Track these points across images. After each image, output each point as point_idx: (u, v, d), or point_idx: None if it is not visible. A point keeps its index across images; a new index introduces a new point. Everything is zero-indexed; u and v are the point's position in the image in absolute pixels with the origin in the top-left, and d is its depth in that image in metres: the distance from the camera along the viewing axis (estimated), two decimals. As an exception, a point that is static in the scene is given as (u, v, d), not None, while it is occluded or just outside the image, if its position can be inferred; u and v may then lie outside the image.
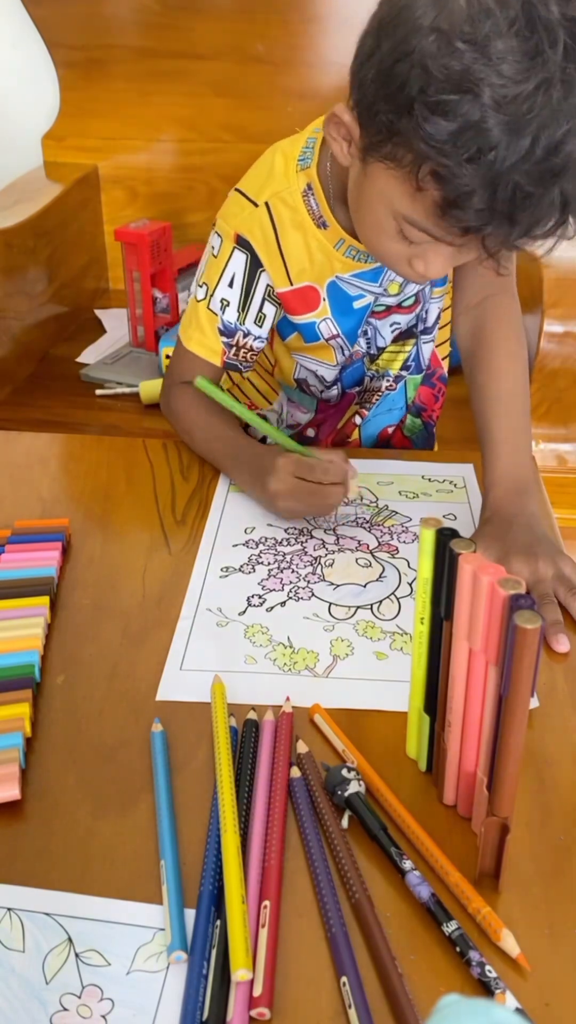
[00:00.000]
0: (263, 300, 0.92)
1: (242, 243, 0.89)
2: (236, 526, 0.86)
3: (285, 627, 0.73)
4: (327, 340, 0.95)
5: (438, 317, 1.01)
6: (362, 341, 0.98)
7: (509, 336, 0.94)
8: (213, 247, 0.92)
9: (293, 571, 0.80)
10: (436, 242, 0.74)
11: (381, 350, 1.01)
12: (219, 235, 0.91)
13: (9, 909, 0.52)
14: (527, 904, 0.52)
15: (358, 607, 0.76)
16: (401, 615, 0.75)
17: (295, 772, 0.59)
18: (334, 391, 1.03)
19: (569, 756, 0.62)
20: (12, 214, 1.66)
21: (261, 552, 0.82)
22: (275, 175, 0.88)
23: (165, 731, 0.63)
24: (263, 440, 0.99)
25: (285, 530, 0.85)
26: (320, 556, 0.82)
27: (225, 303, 0.92)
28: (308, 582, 0.78)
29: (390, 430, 1.09)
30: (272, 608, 0.75)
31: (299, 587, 0.78)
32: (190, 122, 1.93)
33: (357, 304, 0.93)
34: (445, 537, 0.52)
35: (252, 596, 0.77)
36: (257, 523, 0.86)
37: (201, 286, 0.94)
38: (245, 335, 0.93)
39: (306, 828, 0.56)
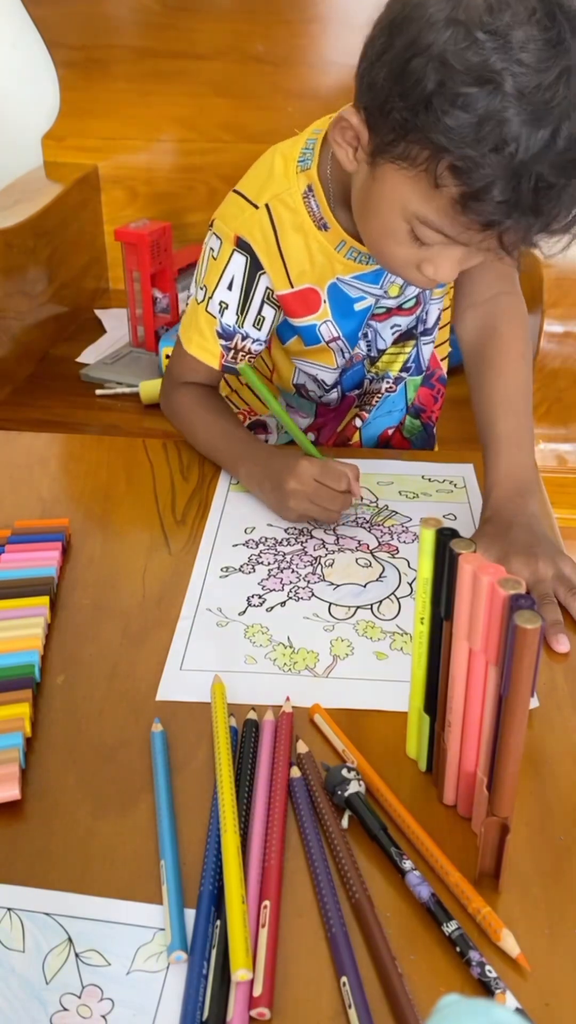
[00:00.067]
0: (262, 303, 0.92)
1: (242, 245, 0.89)
2: (236, 526, 0.86)
3: (285, 627, 0.73)
4: (327, 343, 0.95)
5: (438, 318, 1.01)
6: (362, 344, 0.98)
7: (517, 335, 0.94)
8: (212, 249, 0.92)
9: (293, 571, 0.80)
10: (447, 245, 0.74)
11: (381, 352, 1.00)
12: (218, 237, 0.91)
13: (9, 909, 0.52)
14: (527, 904, 0.52)
15: (358, 607, 0.76)
16: (401, 615, 0.75)
17: (295, 772, 0.59)
18: (333, 394, 1.03)
19: (569, 756, 0.62)
20: (12, 214, 1.66)
21: (261, 552, 0.82)
22: (275, 177, 0.88)
23: (165, 731, 0.63)
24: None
25: (285, 530, 0.85)
26: (320, 556, 0.82)
27: (224, 306, 0.92)
28: (308, 582, 0.78)
29: (390, 432, 1.09)
30: (272, 608, 0.75)
31: (299, 587, 0.78)
32: (190, 122, 1.93)
33: (358, 306, 0.93)
34: (445, 537, 0.52)
35: (252, 596, 0.77)
36: (257, 523, 0.86)
37: (201, 288, 0.93)
38: (244, 338, 0.93)
39: (306, 828, 0.56)
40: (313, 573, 0.80)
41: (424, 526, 0.53)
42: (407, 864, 0.53)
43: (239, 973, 0.47)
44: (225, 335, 0.93)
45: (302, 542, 0.84)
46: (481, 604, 0.49)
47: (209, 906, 0.51)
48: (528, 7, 0.61)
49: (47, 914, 0.52)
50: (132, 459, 0.97)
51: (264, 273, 0.90)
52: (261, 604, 0.76)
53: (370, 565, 0.81)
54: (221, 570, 0.80)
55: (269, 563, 0.81)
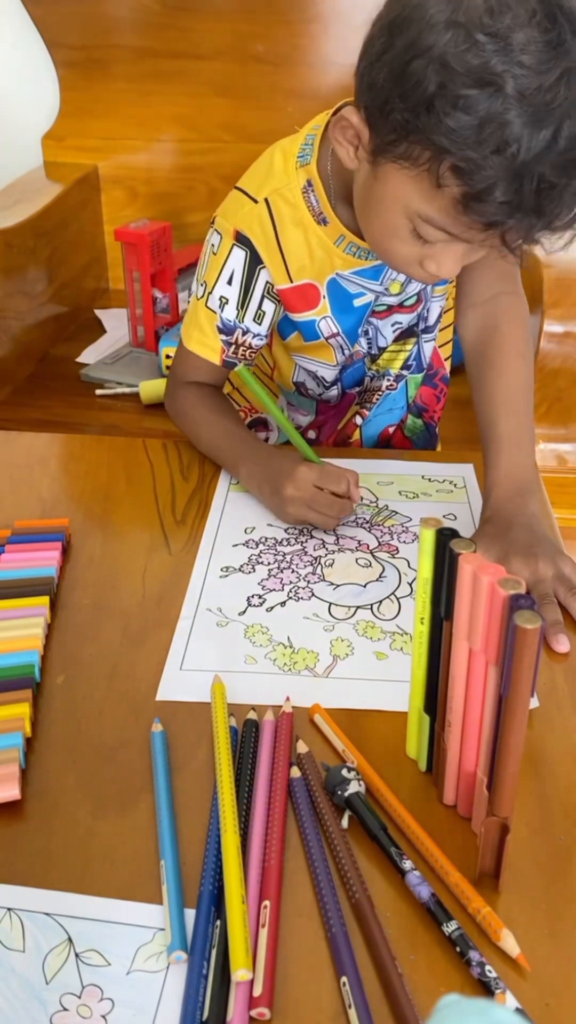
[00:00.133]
0: (262, 297, 0.92)
1: (241, 240, 0.89)
2: (236, 526, 0.86)
3: (285, 627, 0.73)
4: (327, 339, 0.95)
5: (439, 316, 1.01)
6: (363, 341, 0.98)
7: (519, 335, 0.94)
8: (212, 245, 0.92)
9: (293, 571, 0.80)
10: (450, 241, 0.74)
11: (382, 350, 1.00)
12: (218, 232, 0.91)
13: (9, 909, 0.52)
14: (527, 904, 0.52)
15: (358, 607, 0.76)
16: (401, 615, 0.75)
17: (295, 772, 0.59)
18: (334, 392, 1.03)
19: (569, 756, 0.62)
20: (12, 214, 1.66)
21: (261, 552, 0.82)
22: (275, 172, 0.88)
23: (165, 731, 0.63)
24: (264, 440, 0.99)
25: (285, 530, 0.85)
26: (320, 556, 0.82)
27: (224, 301, 0.92)
28: (308, 582, 0.78)
29: (391, 430, 1.09)
30: (272, 608, 0.75)
31: (299, 587, 0.78)
32: (190, 122, 1.93)
33: (357, 302, 0.93)
34: (445, 537, 0.52)
35: (252, 596, 0.77)
36: (257, 523, 0.86)
37: (201, 284, 0.93)
38: (244, 333, 0.93)
39: (306, 828, 0.56)
40: (313, 573, 0.80)
41: (424, 526, 0.53)
42: (407, 864, 0.53)
43: (239, 973, 0.47)
44: (226, 330, 0.93)
45: (302, 542, 0.84)
46: (481, 604, 0.49)
47: (209, 906, 0.51)
48: (528, 9, 0.61)
49: (47, 914, 0.52)
50: (132, 459, 0.97)
51: (264, 267, 0.90)
52: (261, 604, 0.76)
53: (370, 565, 0.81)
54: (221, 570, 0.80)
55: (269, 563, 0.81)
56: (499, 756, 0.50)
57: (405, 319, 0.98)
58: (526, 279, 1.05)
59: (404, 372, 1.03)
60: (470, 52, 0.61)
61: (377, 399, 1.04)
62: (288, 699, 0.65)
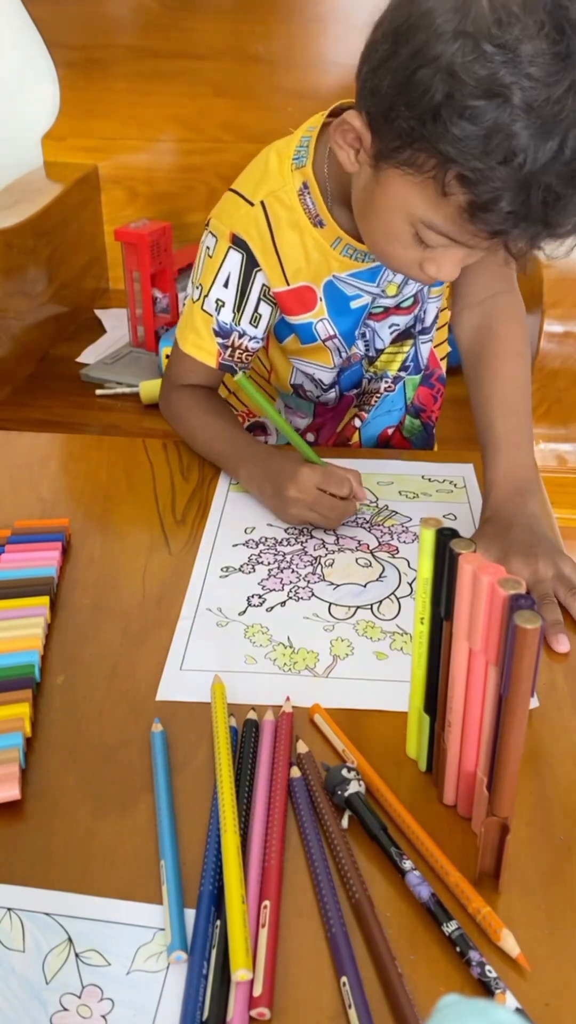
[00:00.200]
0: (259, 300, 0.92)
1: (238, 242, 0.89)
2: (236, 526, 0.86)
3: (285, 627, 0.73)
4: (324, 341, 0.95)
5: (436, 317, 1.01)
6: (360, 343, 0.98)
7: (516, 335, 0.94)
8: (208, 247, 0.92)
9: (293, 571, 0.80)
10: (451, 246, 0.74)
11: (380, 352, 1.00)
12: (214, 235, 0.91)
13: (9, 909, 0.52)
14: (527, 904, 0.52)
15: (358, 607, 0.76)
16: (401, 615, 0.75)
17: (295, 772, 0.59)
18: (331, 394, 1.03)
19: (569, 756, 0.62)
20: (12, 214, 1.66)
21: (261, 552, 0.82)
22: (270, 174, 0.88)
23: (165, 731, 0.63)
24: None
25: (285, 530, 0.85)
26: (320, 556, 0.82)
27: (220, 303, 0.92)
28: (308, 582, 0.78)
29: (390, 431, 1.09)
30: (272, 608, 0.75)
31: (299, 587, 0.78)
32: (190, 122, 1.93)
33: (354, 304, 0.93)
34: (445, 537, 0.52)
35: (252, 596, 0.77)
36: (257, 523, 0.86)
37: (197, 287, 0.93)
38: (240, 336, 0.93)
39: (306, 828, 0.56)
40: (313, 573, 0.80)
41: (424, 526, 0.53)
42: (407, 864, 0.53)
43: (239, 973, 0.47)
44: (222, 333, 0.93)
45: (302, 542, 0.84)
46: (481, 604, 0.49)
47: (209, 906, 0.51)
48: (537, 20, 0.61)
49: (47, 914, 0.52)
50: (132, 459, 0.97)
51: (260, 270, 0.90)
52: (261, 604, 0.76)
53: (370, 565, 0.81)
54: (221, 570, 0.80)
55: (269, 563, 0.81)
56: (499, 756, 0.50)
57: (402, 321, 0.98)
58: (525, 279, 1.05)
59: (402, 374, 1.03)
60: (478, 63, 0.61)
61: (376, 401, 1.04)
62: (288, 699, 0.65)
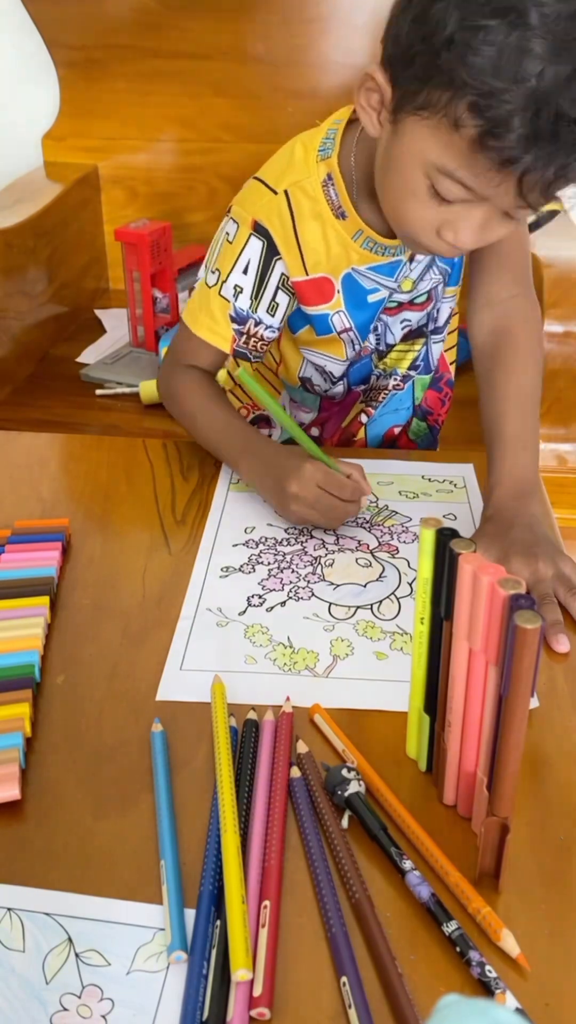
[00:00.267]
0: (277, 289, 0.91)
1: (259, 230, 0.89)
2: (236, 526, 0.86)
3: (285, 627, 0.73)
4: (339, 333, 0.95)
5: (448, 318, 1.01)
6: (372, 337, 0.98)
7: (532, 339, 0.94)
8: (228, 233, 0.91)
9: (293, 571, 0.80)
10: (467, 207, 0.73)
11: (390, 347, 1.00)
12: (235, 221, 0.90)
13: (9, 909, 0.52)
14: (527, 904, 0.52)
15: (358, 607, 0.76)
16: (401, 615, 0.75)
17: (295, 772, 0.59)
18: (339, 388, 1.03)
19: (569, 756, 0.62)
20: (12, 214, 1.66)
21: (261, 552, 0.82)
22: (295, 164, 0.88)
23: (165, 731, 0.63)
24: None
25: (285, 530, 0.85)
26: (320, 556, 0.82)
27: (238, 290, 0.91)
28: (308, 582, 0.79)
29: (396, 430, 1.09)
30: (272, 608, 0.75)
31: (299, 587, 0.78)
32: (190, 122, 1.93)
33: (372, 298, 0.93)
34: (445, 537, 0.52)
35: (252, 596, 0.77)
36: (257, 523, 0.86)
37: (213, 272, 0.92)
38: (256, 324, 0.92)
39: (306, 828, 0.56)
40: (313, 573, 0.80)
41: (424, 526, 0.53)
42: (407, 864, 0.53)
43: (239, 973, 0.47)
44: (238, 319, 0.92)
45: (302, 542, 0.84)
46: (481, 604, 0.49)
47: (209, 906, 0.51)
48: None
49: (47, 914, 0.52)
50: (132, 459, 0.97)
51: (280, 259, 0.89)
52: (261, 604, 0.76)
53: (370, 565, 0.81)
54: (221, 570, 0.80)
55: (269, 563, 0.81)
56: (499, 756, 0.50)
57: (415, 317, 0.98)
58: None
59: (412, 372, 1.03)
60: None
61: (383, 398, 1.04)
62: (288, 699, 0.65)
